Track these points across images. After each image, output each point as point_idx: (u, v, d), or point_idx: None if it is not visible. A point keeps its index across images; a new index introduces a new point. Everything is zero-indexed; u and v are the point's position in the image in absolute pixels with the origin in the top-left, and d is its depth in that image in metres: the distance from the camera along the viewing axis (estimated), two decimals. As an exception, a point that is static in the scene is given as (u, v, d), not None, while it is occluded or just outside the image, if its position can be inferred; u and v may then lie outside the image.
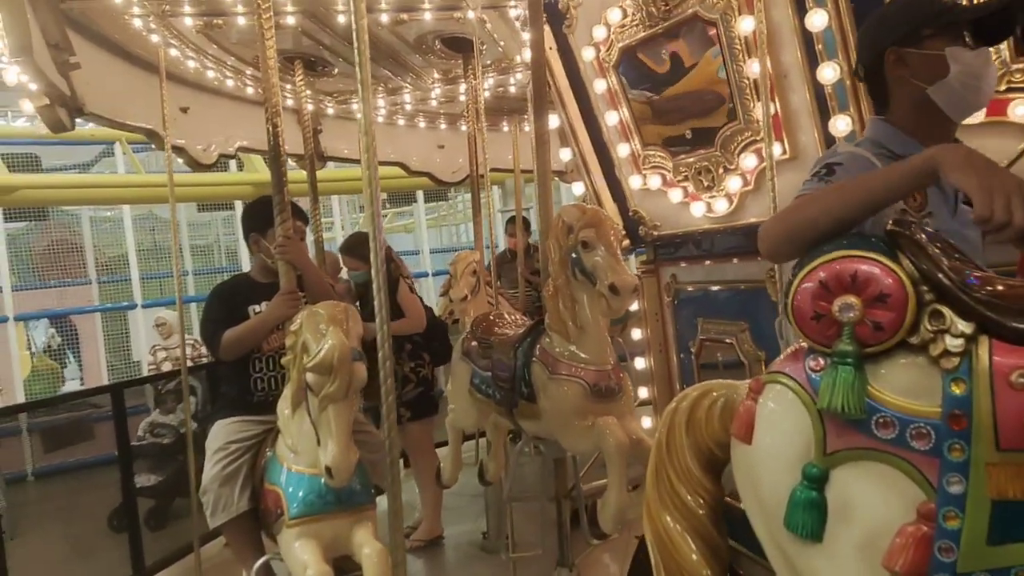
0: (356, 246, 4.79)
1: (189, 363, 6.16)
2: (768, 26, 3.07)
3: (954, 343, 1.30)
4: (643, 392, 4.45)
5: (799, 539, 1.43)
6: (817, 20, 2.85)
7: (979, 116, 2.59)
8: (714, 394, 1.70)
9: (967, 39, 1.71)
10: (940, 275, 1.32)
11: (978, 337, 1.29)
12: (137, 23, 4.25)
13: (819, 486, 1.40)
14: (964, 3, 1.87)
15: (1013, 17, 1.72)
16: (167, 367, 7.57)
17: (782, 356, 1.55)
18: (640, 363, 4.59)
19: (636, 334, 4.59)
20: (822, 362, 1.42)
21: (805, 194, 1.58)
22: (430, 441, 4.79)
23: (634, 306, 4.46)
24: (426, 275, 13.96)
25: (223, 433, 3.08)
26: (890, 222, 1.41)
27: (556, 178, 8.36)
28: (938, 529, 1.29)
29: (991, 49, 1.81)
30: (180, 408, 5.87)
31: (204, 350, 6.69)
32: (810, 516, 1.40)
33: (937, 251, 1.36)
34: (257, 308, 3.19)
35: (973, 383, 1.27)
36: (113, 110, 4.57)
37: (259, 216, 3.27)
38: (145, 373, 9.09)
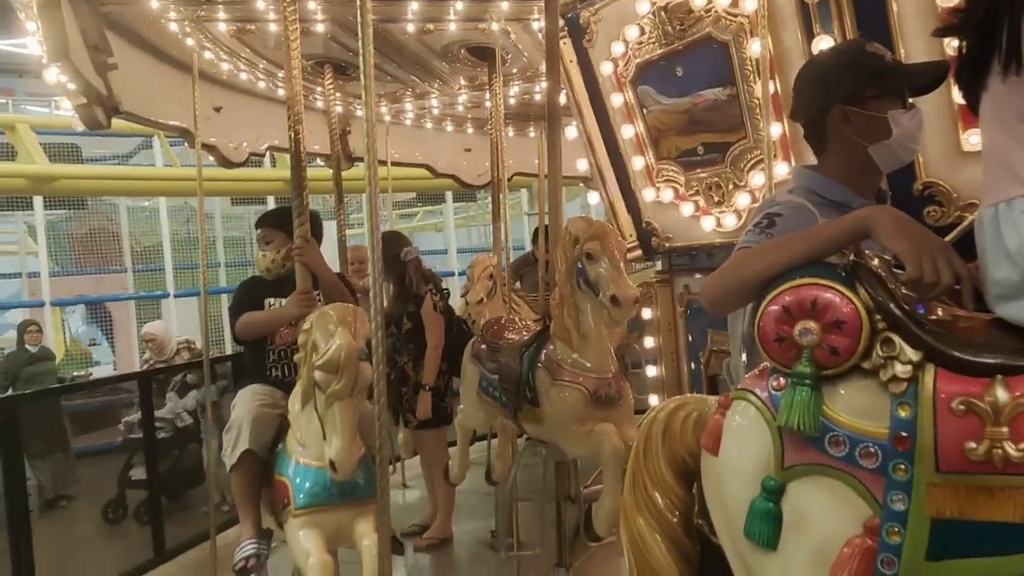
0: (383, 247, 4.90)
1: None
2: (778, 49, 3.16)
3: (902, 370, 1.38)
4: (654, 400, 4.53)
5: (757, 547, 1.51)
6: (824, 45, 2.93)
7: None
8: (690, 406, 1.79)
9: (905, 99, 1.85)
10: (893, 305, 1.41)
11: (925, 365, 1.37)
12: (173, 27, 4.42)
13: (776, 498, 1.49)
14: (903, 67, 1.97)
15: (943, 75, 1.87)
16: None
17: (751, 374, 1.64)
18: (652, 371, 4.67)
19: (649, 342, 4.66)
20: (783, 382, 1.50)
21: (746, 247, 1.68)
22: (443, 446, 4.90)
23: (647, 314, 4.57)
24: (452, 274, 14.13)
25: (251, 390, 3.31)
26: (852, 254, 1.50)
27: (582, 184, 8.44)
28: (881, 543, 1.37)
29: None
30: (168, 398, 6.05)
31: (199, 347, 6.91)
32: (767, 525, 1.49)
33: (893, 282, 1.45)
34: (271, 301, 3.44)
35: (918, 407, 1.36)
36: (148, 109, 4.75)
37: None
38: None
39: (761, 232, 1.73)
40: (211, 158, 5.71)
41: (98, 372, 12.66)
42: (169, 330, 7.70)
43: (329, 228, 5.59)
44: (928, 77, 1.93)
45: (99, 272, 14.18)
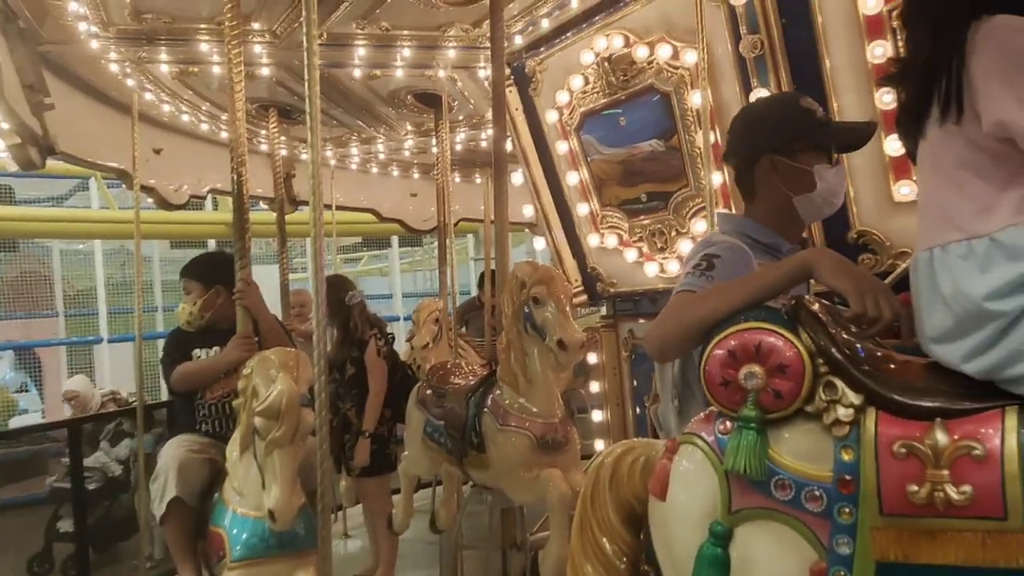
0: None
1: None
2: (718, 101, 3.25)
3: (845, 413, 1.41)
4: (600, 445, 4.51)
5: (705, 594, 1.50)
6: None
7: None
8: (637, 451, 1.79)
9: (831, 156, 1.94)
10: (834, 349, 1.43)
11: (866, 408, 1.40)
12: (114, 68, 4.35)
13: (723, 543, 1.48)
14: (832, 124, 2.05)
15: (870, 135, 1.98)
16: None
17: (698, 418, 1.64)
18: (598, 416, 4.66)
19: (595, 387, 4.67)
20: (729, 425, 1.51)
21: (688, 291, 1.69)
22: (386, 494, 4.80)
23: (593, 359, 4.58)
24: (398, 319, 13.99)
25: (178, 439, 3.26)
26: (792, 298, 1.53)
27: (528, 230, 8.52)
28: (827, 588, 1.38)
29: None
30: (102, 447, 5.83)
31: (126, 395, 6.70)
32: (714, 571, 1.48)
33: (834, 327, 1.47)
34: (198, 352, 3.41)
35: (861, 451, 1.38)
36: (85, 150, 4.64)
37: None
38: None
39: (701, 274, 1.74)
40: (150, 200, 5.59)
41: (26, 420, 12.12)
42: (91, 386, 7.42)
43: (272, 272, 5.53)
44: (856, 136, 2.03)
45: (29, 317, 13.67)
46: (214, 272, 3.49)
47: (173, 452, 3.10)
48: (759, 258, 1.82)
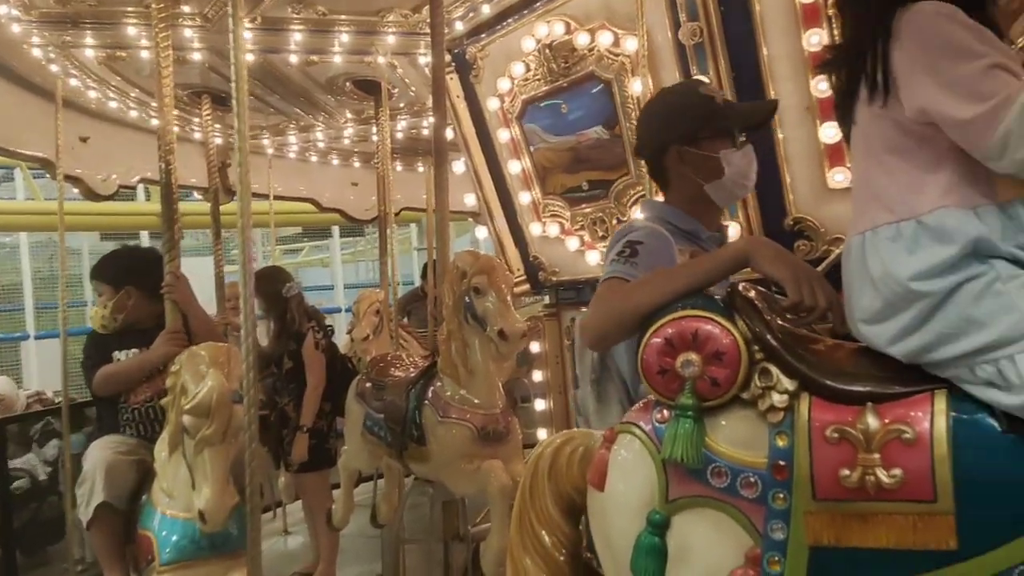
0: (258, 280, 4.69)
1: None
2: (658, 88, 3.23)
3: (779, 399, 1.41)
4: (543, 434, 4.51)
5: (643, 584, 1.49)
6: (700, 86, 3.03)
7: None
8: (576, 441, 1.77)
9: (736, 139, 1.95)
10: (769, 336, 1.44)
11: (800, 394, 1.41)
12: (36, 53, 4.16)
13: (661, 532, 1.48)
14: (733, 107, 2.08)
15: (770, 114, 2.09)
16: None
17: (636, 407, 1.63)
18: (540, 405, 4.65)
19: (537, 376, 4.66)
20: (667, 414, 1.50)
21: (617, 278, 1.69)
22: (325, 489, 4.72)
23: (535, 348, 4.57)
24: (340, 311, 13.83)
25: (104, 440, 3.15)
26: (728, 285, 1.53)
27: (471, 219, 8.47)
28: (762, 574, 1.38)
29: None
30: (33, 449, 5.63)
31: (52, 395, 6.51)
32: (652, 561, 1.47)
33: (769, 314, 1.48)
34: (118, 355, 3.29)
35: (795, 436, 1.38)
36: (6, 139, 4.46)
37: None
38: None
39: (626, 261, 1.74)
40: (76, 191, 5.39)
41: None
42: (15, 387, 7.16)
43: (207, 264, 5.39)
44: (756, 117, 2.06)
45: (-50, 313, 13.15)
46: (123, 272, 3.39)
47: (100, 454, 2.98)
48: (679, 243, 1.84)
